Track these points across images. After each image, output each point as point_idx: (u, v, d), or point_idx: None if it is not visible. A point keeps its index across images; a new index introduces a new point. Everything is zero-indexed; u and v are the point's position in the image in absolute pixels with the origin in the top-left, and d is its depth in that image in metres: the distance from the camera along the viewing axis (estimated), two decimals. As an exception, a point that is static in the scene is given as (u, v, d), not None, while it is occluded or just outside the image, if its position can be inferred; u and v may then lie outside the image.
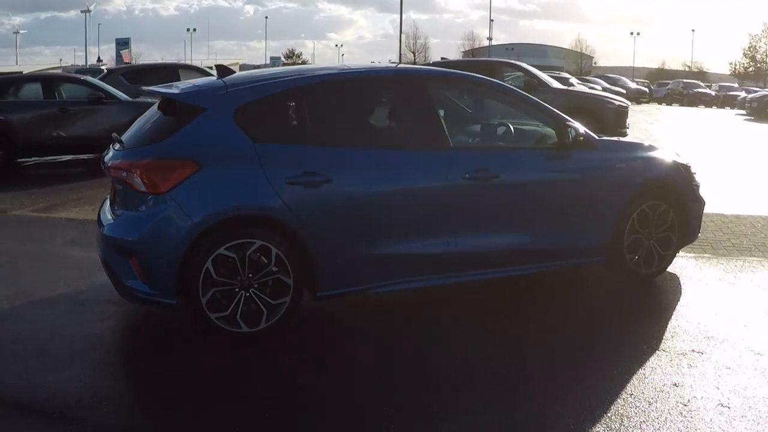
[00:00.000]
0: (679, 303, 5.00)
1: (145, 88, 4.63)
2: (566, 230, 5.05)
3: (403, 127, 4.88)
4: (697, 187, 5.66)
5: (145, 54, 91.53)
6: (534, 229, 4.95)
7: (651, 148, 5.66)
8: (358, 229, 4.42)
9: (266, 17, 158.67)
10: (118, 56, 62.23)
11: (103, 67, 28.86)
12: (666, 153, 5.62)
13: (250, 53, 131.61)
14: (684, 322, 4.59)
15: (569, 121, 5.07)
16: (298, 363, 4.07)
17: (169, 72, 15.67)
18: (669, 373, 3.82)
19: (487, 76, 15.33)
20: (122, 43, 65.83)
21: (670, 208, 5.35)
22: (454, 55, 66.69)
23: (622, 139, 5.94)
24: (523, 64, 15.36)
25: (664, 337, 4.34)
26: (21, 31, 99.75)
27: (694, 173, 5.67)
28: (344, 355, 4.21)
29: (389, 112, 4.96)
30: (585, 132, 5.08)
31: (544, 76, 14.79)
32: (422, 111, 4.74)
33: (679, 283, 5.45)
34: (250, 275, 4.18)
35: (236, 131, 4.24)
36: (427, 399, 3.59)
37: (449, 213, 4.64)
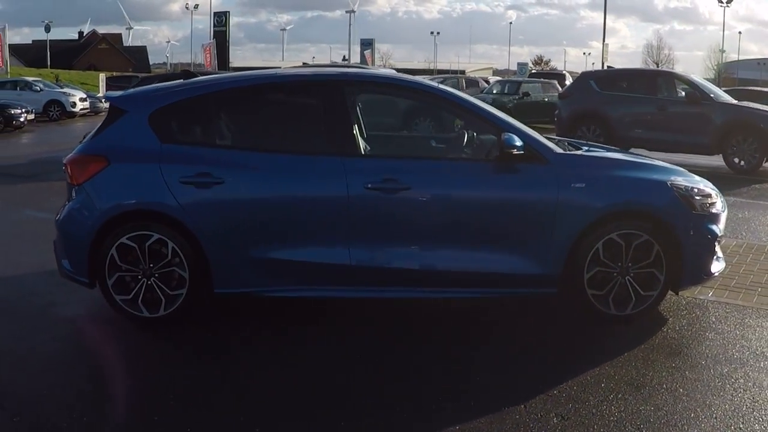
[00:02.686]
0: (614, 360, 4.22)
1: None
2: (496, 254, 4.63)
3: (309, 133, 4.89)
4: (707, 217, 4.78)
5: (404, 56, 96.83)
6: (452, 249, 4.64)
7: (640, 167, 4.92)
8: (250, 231, 4.60)
9: (510, 23, 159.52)
10: (362, 56, 65.61)
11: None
12: (661, 174, 4.82)
13: (511, 58, 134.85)
14: (591, 382, 4.00)
15: (511, 130, 4.61)
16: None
17: None
18: None
19: (651, 87, 14.17)
20: (366, 44, 69.14)
21: (654, 241, 4.64)
22: (700, 67, 60.87)
23: (604, 154, 5.09)
24: (690, 76, 14.11)
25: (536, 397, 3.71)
26: (287, 28, 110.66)
27: (706, 201, 4.79)
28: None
29: (297, 118, 4.98)
30: (527, 143, 4.56)
31: (711, 89, 13.49)
32: (331, 116, 4.72)
33: (652, 333, 4.62)
34: (151, 265, 4.60)
35: (148, 132, 4.68)
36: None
37: (347, 224, 4.56)
